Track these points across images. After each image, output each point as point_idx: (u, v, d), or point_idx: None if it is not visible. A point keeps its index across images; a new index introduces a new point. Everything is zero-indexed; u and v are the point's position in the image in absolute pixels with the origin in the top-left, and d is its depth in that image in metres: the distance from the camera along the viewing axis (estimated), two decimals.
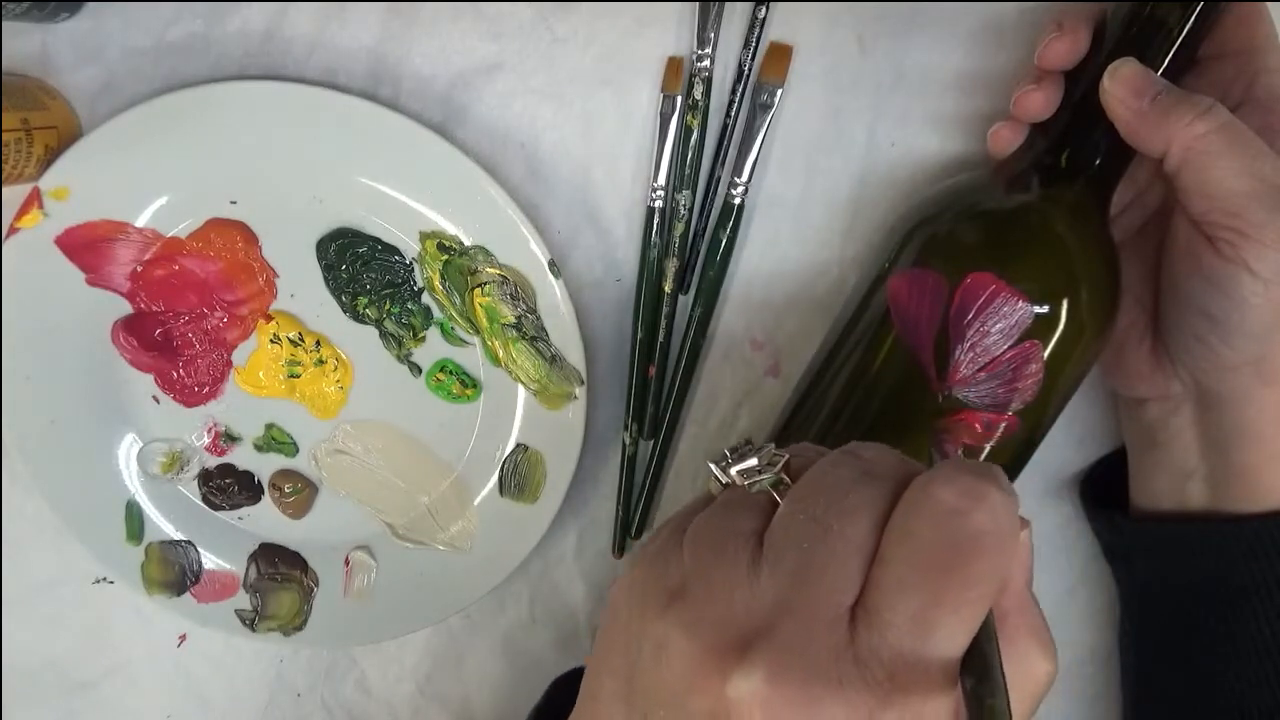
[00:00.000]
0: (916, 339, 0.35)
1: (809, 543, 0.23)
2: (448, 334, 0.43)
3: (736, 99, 0.41)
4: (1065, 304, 0.34)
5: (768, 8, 0.39)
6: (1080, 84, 0.35)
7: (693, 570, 0.24)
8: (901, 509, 0.23)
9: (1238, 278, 0.32)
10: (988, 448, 0.35)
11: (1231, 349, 0.33)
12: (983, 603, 0.22)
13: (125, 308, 0.44)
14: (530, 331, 0.42)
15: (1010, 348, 0.34)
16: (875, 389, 0.36)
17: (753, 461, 0.26)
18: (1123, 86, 0.33)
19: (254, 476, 0.46)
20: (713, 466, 0.27)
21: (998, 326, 0.34)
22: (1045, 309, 0.34)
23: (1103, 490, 0.41)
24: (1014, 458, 0.37)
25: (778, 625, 0.22)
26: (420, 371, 0.44)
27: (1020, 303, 0.33)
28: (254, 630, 0.47)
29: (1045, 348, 0.34)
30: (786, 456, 0.26)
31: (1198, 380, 0.35)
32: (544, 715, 0.39)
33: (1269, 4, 0.35)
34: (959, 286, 0.34)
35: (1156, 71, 0.33)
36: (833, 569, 0.23)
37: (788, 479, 0.26)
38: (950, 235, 0.35)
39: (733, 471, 0.26)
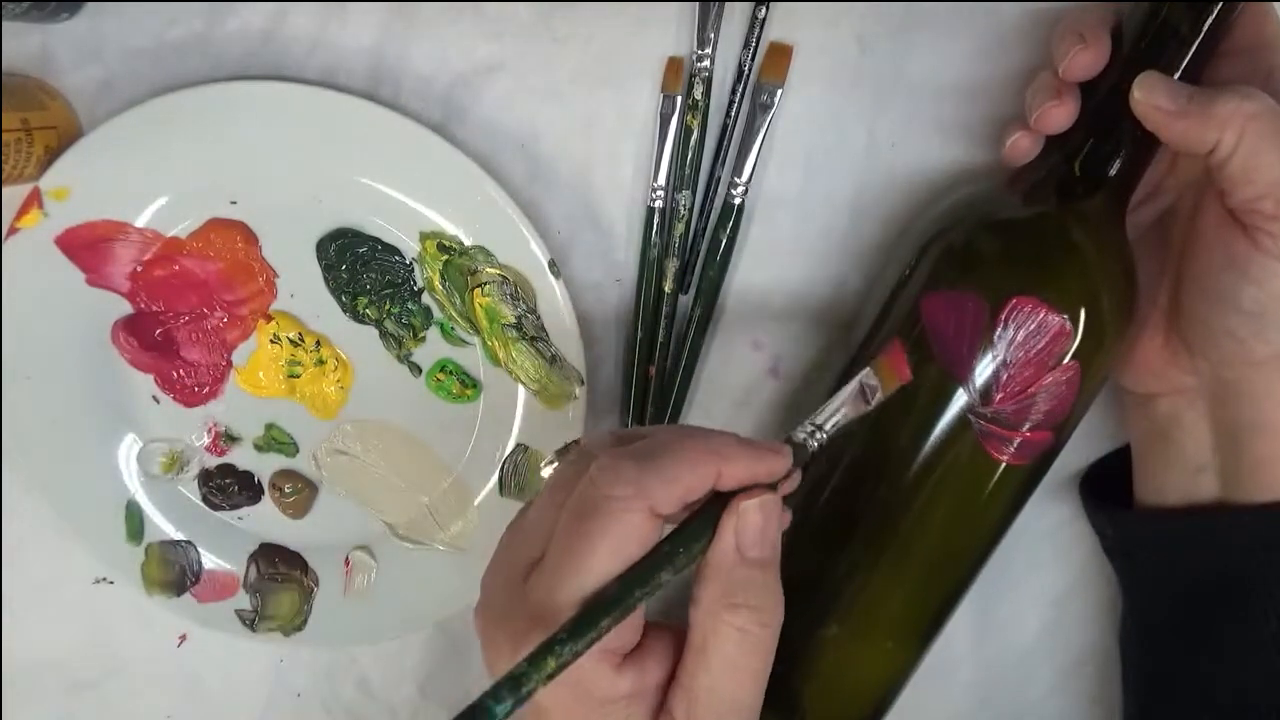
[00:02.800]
0: (955, 361, 0.34)
1: (528, 512, 0.31)
2: (448, 334, 0.43)
3: (736, 99, 0.41)
4: (1090, 313, 0.34)
5: (768, 8, 0.39)
6: (1097, 92, 0.35)
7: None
8: (579, 484, 0.29)
9: (1273, 269, 0.32)
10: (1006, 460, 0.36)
11: (1265, 342, 0.33)
12: (600, 558, 0.27)
13: (125, 308, 0.44)
14: (530, 331, 0.42)
15: (1052, 368, 0.34)
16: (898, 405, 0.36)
17: (551, 456, 0.34)
18: (1154, 94, 0.33)
19: (254, 476, 0.46)
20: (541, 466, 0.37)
21: (1040, 349, 0.34)
22: (1075, 321, 0.34)
23: (1103, 488, 0.41)
24: (1040, 468, 0.37)
25: (489, 576, 0.31)
26: (420, 371, 0.44)
27: (1063, 323, 0.33)
28: (254, 630, 0.47)
29: (1077, 360, 0.34)
30: (578, 442, 0.33)
31: (1218, 374, 0.35)
32: None
33: (1275, 3, 0.35)
34: (1002, 310, 0.34)
35: (1173, 77, 0.33)
36: (528, 530, 0.30)
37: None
38: (969, 247, 0.35)
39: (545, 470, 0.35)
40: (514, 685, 0.26)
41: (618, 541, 0.27)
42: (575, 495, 0.28)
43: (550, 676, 0.26)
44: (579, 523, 0.28)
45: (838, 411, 0.31)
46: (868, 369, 0.32)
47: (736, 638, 0.28)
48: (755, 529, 0.29)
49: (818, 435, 0.31)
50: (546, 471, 0.34)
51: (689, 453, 0.28)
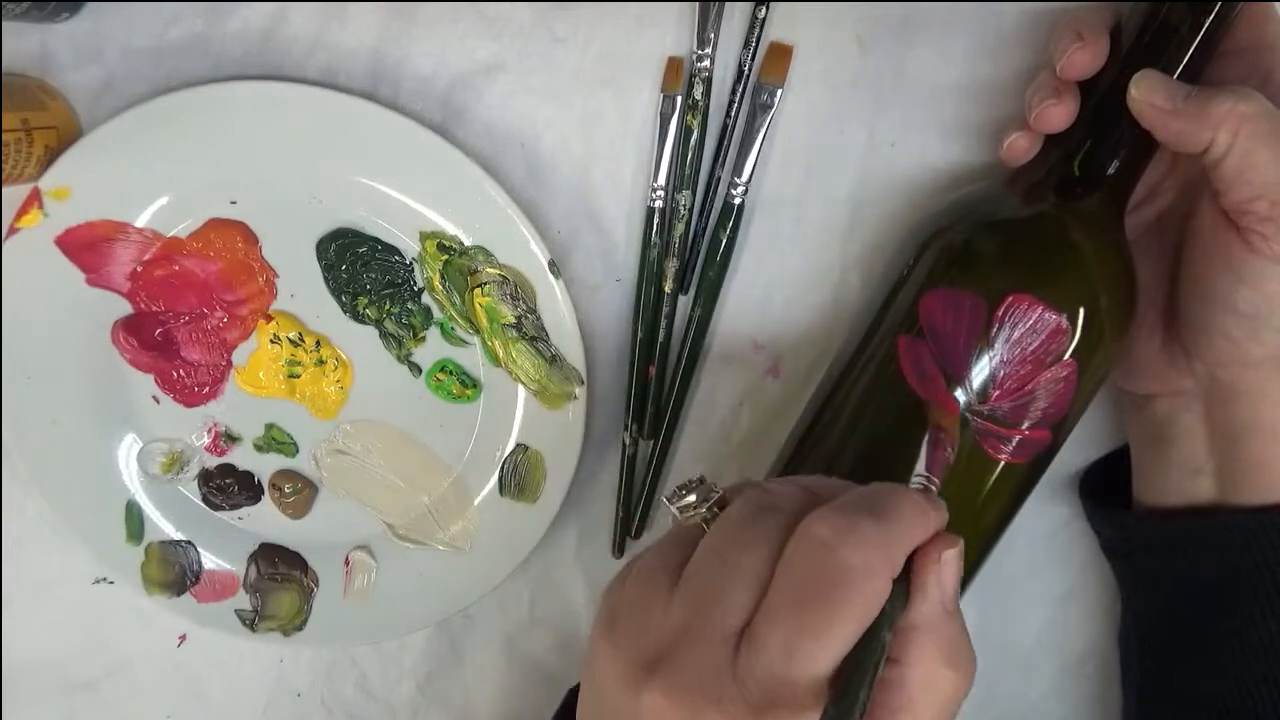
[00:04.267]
0: (953, 360, 0.34)
1: (710, 573, 0.27)
2: (448, 334, 0.43)
3: (736, 99, 0.41)
4: (1088, 313, 0.34)
5: (768, 8, 0.39)
6: (1096, 92, 0.35)
7: (627, 599, 0.28)
8: (790, 542, 0.26)
9: (1267, 270, 0.32)
10: (1002, 460, 0.36)
11: (1259, 344, 0.33)
12: (846, 630, 0.25)
13: (125, 308, 0.44)
14: (530, 331, 0.42)
15: (1049, 367, 0.34)
16: (894, 400, 0.36)
17: (691, 498, 0.30)
18: (1152, 93, 0.33)
19: (254, 476, 0.46)
20: (664, 502, 0.31)
21: (1037, 347, 0.34)
22: (1073, 320, 0.34)
23: (1103, 488, 0.41)
24: (1038, 467, 0.37)
25: (678, 646, 0.26)
26: (420, 371, 0.44)
27: (1060, 321, 0.33)
28: (254, 630, 0.47)
29: (1075, 359, 0.34)
30: (720, 493, 0.30)
31: (1215, 375, 0.35)
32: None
33: (1275, 3, 0.35)
34: (999, 308, 0.34)
35: (1172, 76, 0.33)
36: (725, 596, 0.26)
37: (719, 512, 0.29)
38: (968, 247, 0.35)
39: (673, 508, 0.30)
40: None
41: (864, 612, 0.25)
42: (803, 559, 0.26)
43: None
44: (817, 593, 0.25)
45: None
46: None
47: (951, 694, 0.26)
48: (956, 577, 0.27)
49: (932, 483, 0.32)
50: (671, 512, 0.30)
51: (910, 508, 0.27)
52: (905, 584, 0.26)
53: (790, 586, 0.25)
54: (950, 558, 0.27)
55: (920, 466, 0.35)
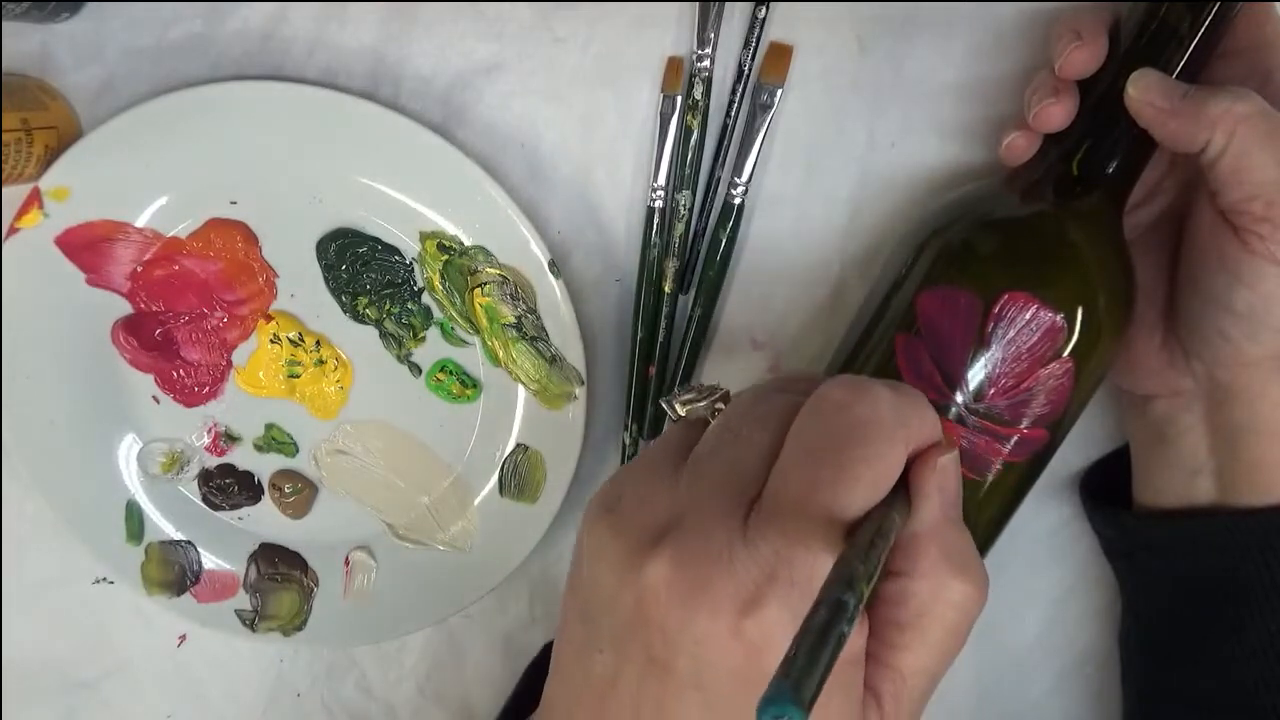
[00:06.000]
0: (949, 358, 0.34)
1: (720, 446, 0.26)
2: (448, 334, 0.43)
3: (736, 99, 0.41)
4: (1086, 312, 0.34)
5: (768, 8, 0.39)
6: (1095, 91, 0.35)
7: (627, 485, 0.27)
8: (801, 412, 0.25)
9: (1263, 270, 0.32)
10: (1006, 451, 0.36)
11: (1257, 344, 0.33)
12: (862, 482, 0.23)
13: (125, 308, 0.44)
14: (530, 331, 0.42)
15: (1046, 365, 0.34)
16: None
17: (692, 394, 0.29)
18: (1149, 91, 0.33)
19: (254, 476, 0.46)
20: (663, 403, 0.30)
21: (1033, 345, 0.34)
22: (1070, 319, 0.34)
23: (1104, 489, 0.41)
24: (1036, 466, 0.37)
25: (685, 519, 0.24)
26: (420, 371, 0.44)
27: (1056, 319, 0.33)
28: (254, 630, 0.47)
29: (1072, 358, 0.34)
30: (725, 390, 0.29)
31: (1213, 376, 0.35)
32: (522, 699, 0.40)
33: (1275, 3, 0.35)
34: (994, 306, 0.34)
35: (1171, 76, 0.33)
36: (736, 465, 0.25)
37: (723, 407, 0.28)
38: (966, 246, 0.35)
39: (675, 403, 0.29)
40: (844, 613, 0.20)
41: (878, 471, 0.24)
42: (815, 417, 0.25)
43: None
44: (832, 445, 0.24)
45: None
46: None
47: (961, 605, 0.25)
48: (956, 485, 0.26)
49: None
50: (673, 408, 0.29)
51: (921, 397, 0.26)
52: (906, 495, 0.25)
53: (804, 443, 0.24)
54: (948, 463, 0.25)
55: None
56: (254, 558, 0.47)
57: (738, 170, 0.41)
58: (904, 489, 0.25)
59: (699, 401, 0.28)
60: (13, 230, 0.42)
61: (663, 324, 0.42)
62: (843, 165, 0.41)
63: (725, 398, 0.29)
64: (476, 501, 0.45)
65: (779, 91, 0.40)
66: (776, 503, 0.24)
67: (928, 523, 0.25)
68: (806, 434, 0.25)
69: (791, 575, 0.23)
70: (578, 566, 0.27)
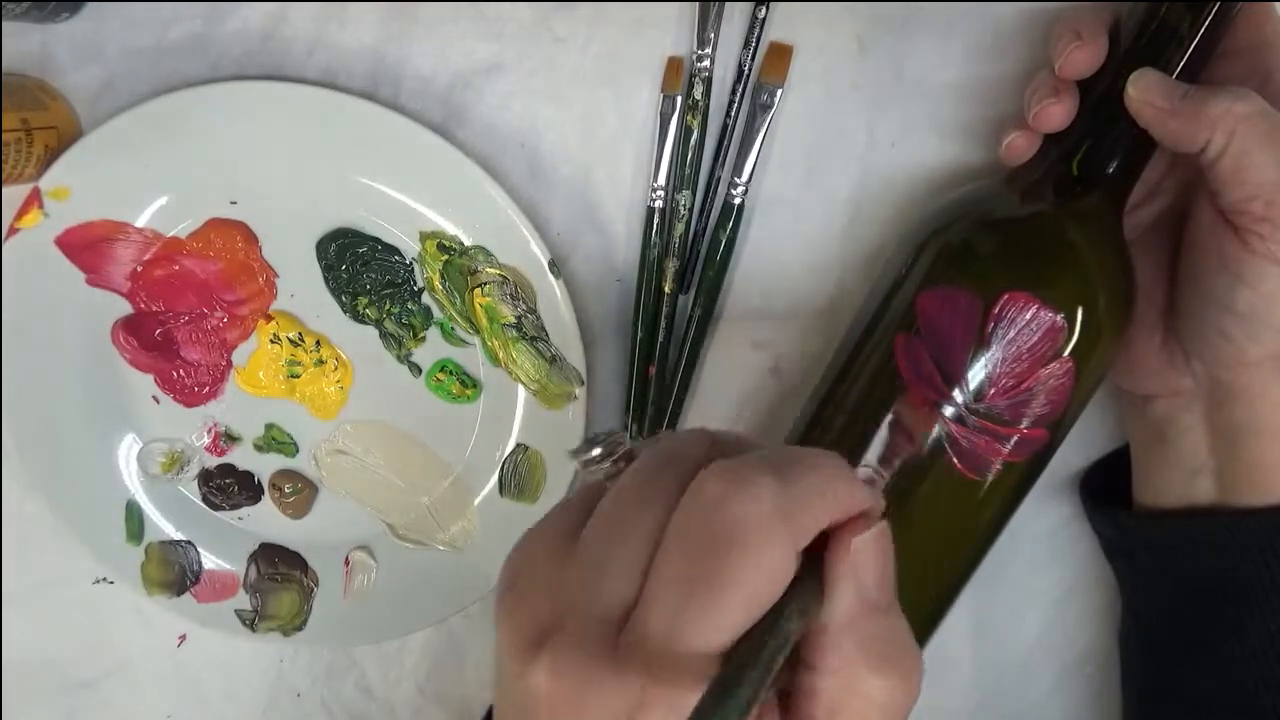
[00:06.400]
0: (949, 358, 0.34)
1: (602, 537, 0.24)
2: (448, 334, 0.43)
3: (736, 99, 0.41)
4: (1086, 312, 0.34)
5: (768, 8, 0.39)
6: (1095, 91, 0.35)
7: (524, 564, 0.25)
8: (680, 505, 0.23)
9: (1264, 270, 0.32)
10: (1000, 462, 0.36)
11: (1257, 343, 0.33)
12: (735, 601, 0.21)
13: (125, 308, 0.44)
14: (530, 331, 0.42)
15: (1046, 365, 0.34)
16: (892, 399, 0.36)
17: (596, 452, 0.26)
18: (1149, 91, 0.33)
19: (254, 476, 0.46)
20: (569, 454, 0.27)
21: (1033, 345, 0.34)
22: (1071, 319, 0.34)
23: (1104, 489, 0.41)
24: (1036, 466, 0.37)
25: (565, 620, 0.23)
26: (420, 371, 0.44)
27: (1056, 319, 0.33)
28: (254, 630, 0.47)
29: (1072, 357, 0.34)
30: (627, 446, 0.26)
31: (1213, 375, 0.35)
32: None
33: (1275, 3, 0.35)
34: (994, 306, 0.34)
35: (1171, 76, 0.33)
36: (614, 564, 0.23)
37: (624, 467, 0.26)
38: (967, 246, 0.35)
39: (578, 462, 0.26)
40: None
41: (756, 583, 0.21)
42: (690, 517, 0.22)
43: None
44: (703, 558, 0.21)
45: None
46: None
47: (881, 703, 0.23)
48: (878, 568, 0.23)
49: (879, 474, 0.30)
50: (587, 472, 0.26)
51: (823, 474, 0.23)
52: (819, 582, 0.23)
53: (676, 550, 0.22)
54: (864, 544, 0.23)
55: (871, 456, 0.34)
56: (254, 558, 0.47)
57: (738, 170, 0.41)
58: (818, 574, 0.23)
59: (601, 462, 0.26)
60: (13, 230, 0.42)
61: (663, 324, 0.42)
62: (843, 165, 0.41)
63: (629, 456, 0.26)
64: (476, 501, 0.45)
65: (779, 91, 0.40)
66: (644, 632, 0.22)
67: (840, 614, 0.23)
68: (679, 537, 0.22)
69: (666, 703, 0.21)
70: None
